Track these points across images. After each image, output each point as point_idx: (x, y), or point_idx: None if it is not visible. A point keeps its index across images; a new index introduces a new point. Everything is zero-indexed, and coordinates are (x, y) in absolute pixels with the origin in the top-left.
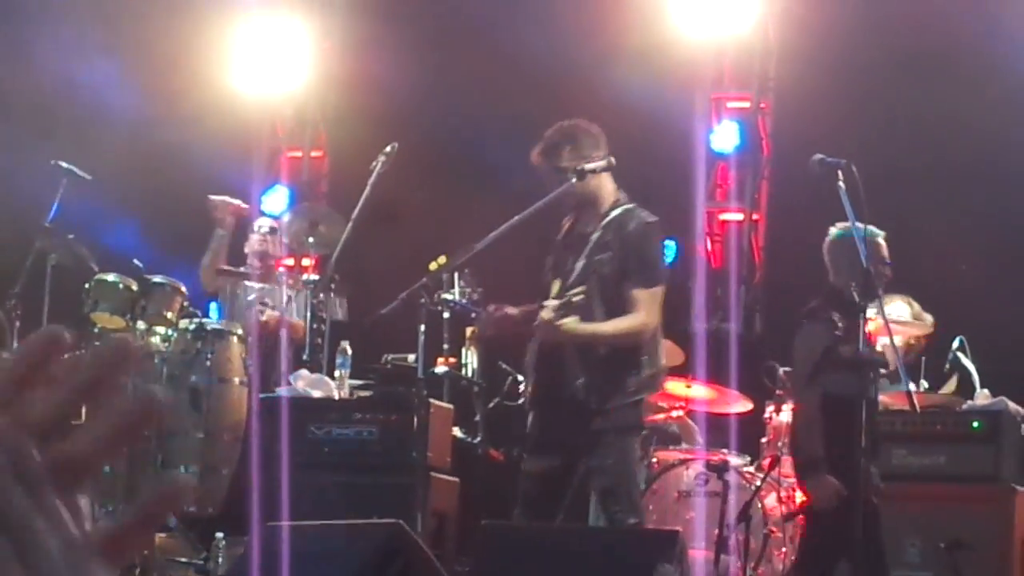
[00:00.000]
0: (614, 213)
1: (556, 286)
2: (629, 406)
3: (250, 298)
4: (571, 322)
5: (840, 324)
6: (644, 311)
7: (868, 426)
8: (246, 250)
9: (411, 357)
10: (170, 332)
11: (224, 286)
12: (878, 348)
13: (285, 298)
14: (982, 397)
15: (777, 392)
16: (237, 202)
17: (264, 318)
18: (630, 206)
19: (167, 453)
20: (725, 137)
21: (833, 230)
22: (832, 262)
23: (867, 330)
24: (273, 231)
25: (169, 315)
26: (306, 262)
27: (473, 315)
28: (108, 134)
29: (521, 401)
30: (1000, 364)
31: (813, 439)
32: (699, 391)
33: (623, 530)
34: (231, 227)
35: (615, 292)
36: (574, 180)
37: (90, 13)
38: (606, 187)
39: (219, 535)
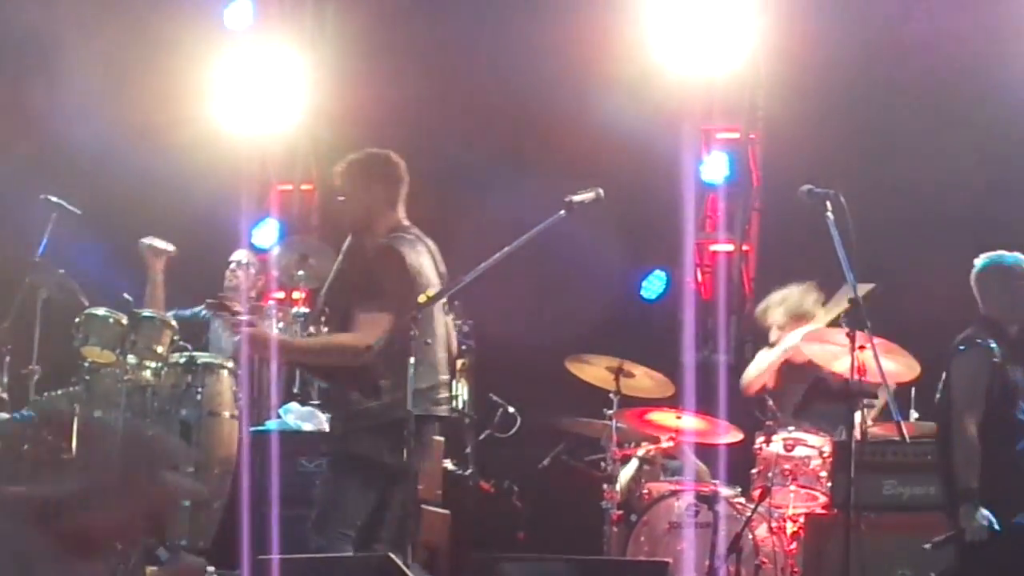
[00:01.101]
0: (381, 242)
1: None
2: (364, 431)
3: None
4: (285, 337)
5: (998, 352)
6: (362, 332)
7: None
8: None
9: None
10: (160, 366)
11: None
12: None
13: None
14: None
15: (767, 423)
16: (161, 245)
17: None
18: (397, 236)
19: None
20: (715, 168)
21: (979, 261)
22: (981, 292)
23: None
24: (240, 264)
25: (159, 349)
26: (296, 295)
27: (463, 347)
28: (99, 169)
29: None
30: None
31: (970, 470)
32: (689, 422)
33: (615, 561)
34: (156, 269)
35: (347, 314)
36: (563, 213)
37: (82, 49)
38: (385, 218)
39: (210, 569)
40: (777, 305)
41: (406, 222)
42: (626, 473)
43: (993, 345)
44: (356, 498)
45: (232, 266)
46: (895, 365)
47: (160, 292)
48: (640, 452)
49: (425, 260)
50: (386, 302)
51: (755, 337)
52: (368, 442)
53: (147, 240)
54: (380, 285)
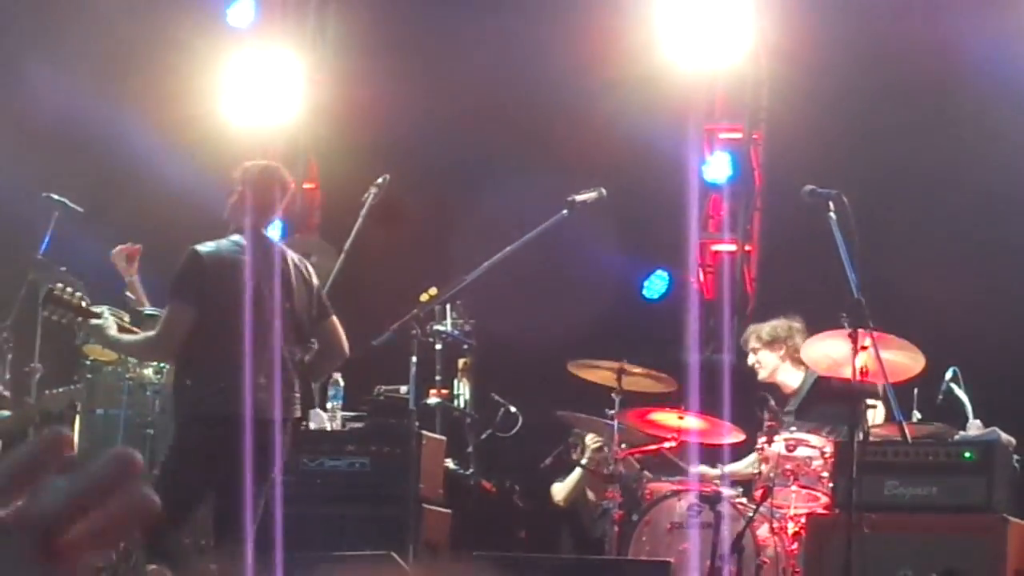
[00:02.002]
0: None
1: None
2: (180, 426)
3: None
4: (107, 328)
5: None
6: (158, 327)
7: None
8: None
9: (403, 388)
10: (162, 364)
11: None
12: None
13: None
14: (974, 427)
15: (768, 423)
16: (126, 246)
17: None
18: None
19: None
20: (717, 168)
21: None
22: None
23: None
24: None
25: None
26: None
27: (465, 346)
28: (100, 167)
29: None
30: (992, 394)
31: None
32: (692, 422)
33: (616, 561)
34: (130, 272)
35: None
36: (565, 212)
37: (83, 47)
38: (236, 225)
39: (212, 566)
40: (751, 332)
41: (266, 230)
42: (569, 481)
43: None
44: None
45: None
46: (900, 357)
47: (138, 291)
48: (584, 460)
49: (247, 267)
50: (176, 298)
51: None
52: (180, 434)
53: (114, 251)
54: (173, 282)
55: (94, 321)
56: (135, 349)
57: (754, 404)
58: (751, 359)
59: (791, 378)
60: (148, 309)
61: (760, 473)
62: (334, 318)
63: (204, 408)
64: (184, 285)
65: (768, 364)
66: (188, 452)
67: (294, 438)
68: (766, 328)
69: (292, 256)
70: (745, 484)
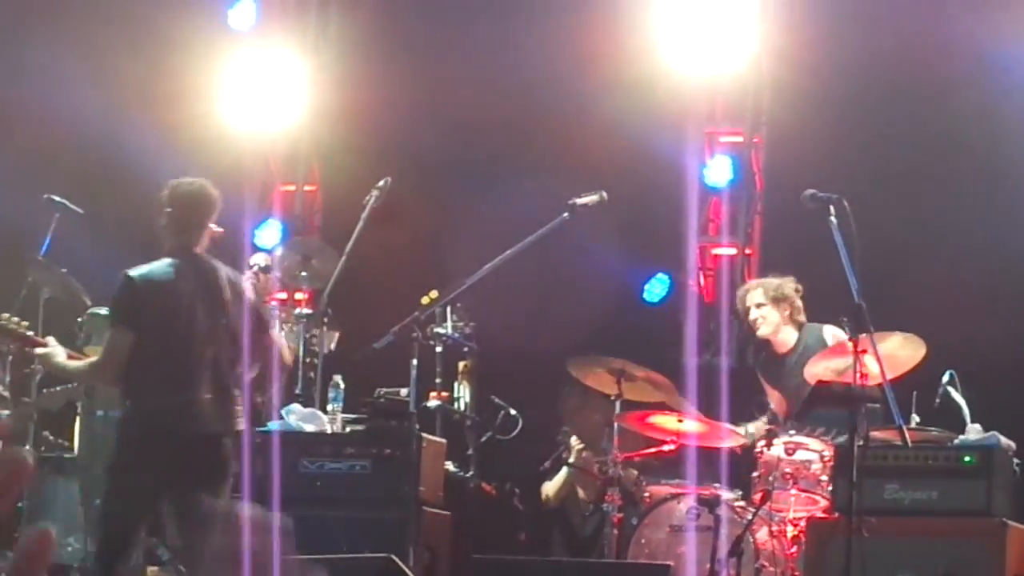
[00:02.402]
0: None
1: None
2: (125, 446)
3: None
4: (54, 356)
5: None
6: (101, 353)
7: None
8: None
9: (404, 391)
10: None
11: None
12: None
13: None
14: (973, 432)
15: (768, 427)
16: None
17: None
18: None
19: None
20: (718, 171)
21: None
22: None
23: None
24: (265, 269)
25: None
26: (299, 296)
27: (465, 349)
28: (101, 169)
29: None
30: (991, 398)
31: None
32: (690, 425)
33: (615, 564)
34: None
35: None
36: (566, 215)
37: (85, 48)
38: (168, 243)
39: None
40: (756, 287)
41: (197, 248)
42: (557, 479)
43: None
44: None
45: (255, 269)
46: (900, 349)
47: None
48: (571, 458)
49: (182, 284)
50: (115, 324)
51: (756, 341)
52: (125, 456)
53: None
54: (111, 309)
55: (40, 350)
56: (82, 375)
57: (753, 407)
58: (753, 314)
59: (789, 337)
60: None
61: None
62: (274, 331)
63: (149, 427)
64: (121, 310)
65: (772, 321)
66: (136, 470)
67: (237, 450)
68: (774, 284)
69: (226, 272)
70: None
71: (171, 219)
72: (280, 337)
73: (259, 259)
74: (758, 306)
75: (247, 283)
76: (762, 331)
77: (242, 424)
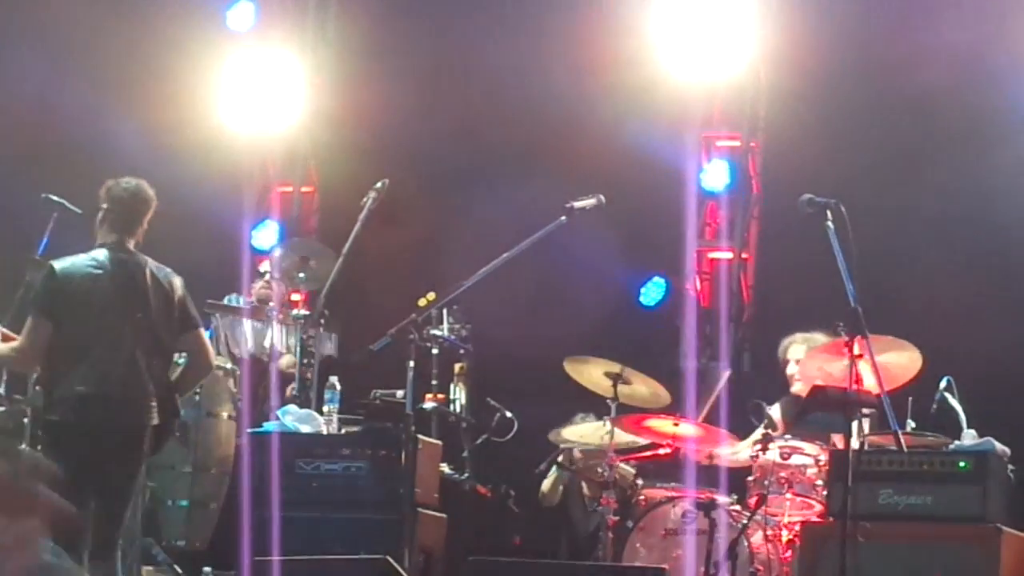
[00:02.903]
0: None
1: None
2: (44, 434)
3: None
4: None
5: None
6: (20, 339)
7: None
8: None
9: (400, 393)
10: None
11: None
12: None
13: (278, 334)
14: (968, 437)
15: (764, 431)
16: None
17: (284, 366)
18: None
19: (156, 487)
20: (715, 176)
21: None
22: None
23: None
24: (275, 278)
25: None
26: (295, 297)
27: (461, 351)
28: (99, 168)
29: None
30: (987, 404)
31: None
32: (687, 429)
33: (610, 567)
34: None
35: None
36: (563, 218)
37: (82, 49)
38: (99, 238)
39: (207, 569)
40: (801, 342)
41: (130, 245)
42: (551, 476)
43: None
44: None
45: (267, 277)
46: (897, 359)
47: None
48: (560, 458)
49: (103, 278)
50: (33, 312)
51: (753, 345)
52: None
53: None
54: (32, 297)
55: None
56: (3, 358)
57: (749, 412)
58: (791, 369)
59: None
60: None
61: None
62: (200, 330)
63: (63, 416)
64: (40, 300)
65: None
66: (54, 458)
67: (152, 444)
68: (819, 341)
69: (152, 269)
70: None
71: (105, 215)
72: (205, 338)
73: (268, 267)
74: (797, 362)
75: (177, 280)
76: (795, 388)
77: (155, 418)
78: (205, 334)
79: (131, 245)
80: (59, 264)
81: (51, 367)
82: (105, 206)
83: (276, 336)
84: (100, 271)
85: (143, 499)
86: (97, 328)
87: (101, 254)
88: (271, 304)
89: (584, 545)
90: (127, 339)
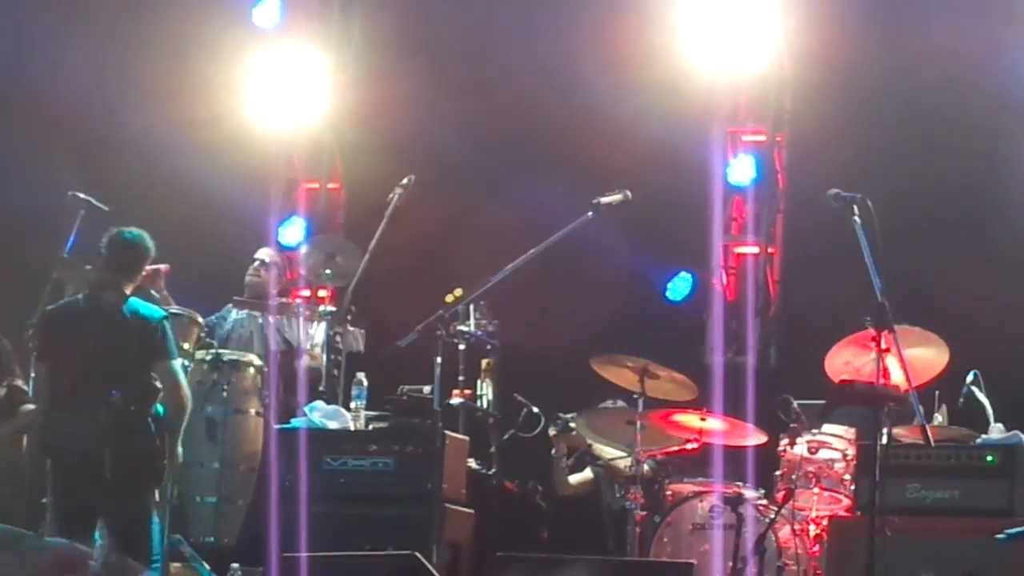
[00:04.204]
0: None
1: None
2: None
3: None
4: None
5: None
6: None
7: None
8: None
9: (427, 388)
10: (186, 363)
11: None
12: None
13: (303, 329)
14: (996, 431)
15: (791, 425)
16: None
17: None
18: None
19: (184, 483)
20: (741, 170)
21: None
22: None
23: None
24: (264, 264)
25: (186, 346)
26: (322, 293)
27: (488, 346)
28: (126, 166)
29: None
30: (1014, 398)
31: None
32: (714, 424)
33: (638, 562)
34: (160, 287)
35: None
36: (590, 214)
37: (108, 46)
38: None
39: (235, 565)
40: None
41: (126, 288)
42: (576, 477)
43: None
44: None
45: (256, 264)
46: (924, 353)
47: (167, 299)
48: (600, 462)
49: (83, 316)
50: (35, 355)
51: (779, 340)
52: None
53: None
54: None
55: None
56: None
57: (776, 406)
58: None
59: None
60: (173, 308)
61: None
62: (171, 362)
63: (39, 443)
64: (36, 343)
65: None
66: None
67: (119, 472)
68: None
69: (130, 306)
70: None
71: (103, 259)
72: (174, 371)
73: (263, 254)
74: None
75: (157, 314)
76: None
77: (129, 444)
78: (176, 366)
79: (126, 288)
80: (52, 307)
81: (40, 399)
82: (103, 251)
83: (301, 331)
84: (82, 310)
85: (171, 496)
86: (69, 361)
87: (87, 294)
88: (273, 292)
89: (612, 540)
90: (95, 371)
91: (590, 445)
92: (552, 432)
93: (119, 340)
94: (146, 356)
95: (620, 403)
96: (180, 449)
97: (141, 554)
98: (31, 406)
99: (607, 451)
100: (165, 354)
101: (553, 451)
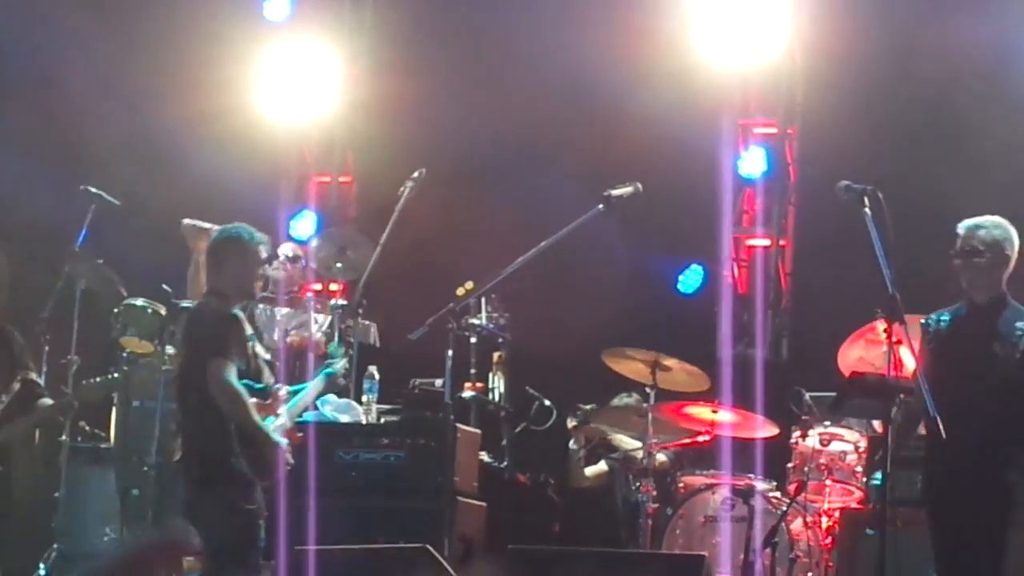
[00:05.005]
0: None
1: None
2: None
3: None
4: None
5: None
6: None
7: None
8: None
9: (438, 382)
10: None
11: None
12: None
13: (314, 323)
14: None
15: (803, 417)
16: (203, 225)
17: (290, 339)
18: None
19: None
20: (752, 163)
21: None
22: None
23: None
24: (295, 259)
25: None
26: (334, 287)
27: (500, 339)
28: (137, 160)
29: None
30: None
31: None
32: (725, 416)
33: (650, 555)
34: (201, 249)
35: None
36: (601, 207)
37: (120, 40)
38: None
39: None
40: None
41: None
42: (591, 470)
43: None
44: None
45: (281, 259)
46: None
47: (203, 273)
48: (615, 455)
49: None
50: None
51: (790, 332)
52: None
53: (188, 221)
54: None
55: None
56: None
57: (788, 398)
58: None
59: None
60: (184, 303)
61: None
62: (28, 375)
63: None
64: None
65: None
66: None
67: None
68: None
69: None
70: None
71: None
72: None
73: (287, 249)
74: None
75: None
76: None
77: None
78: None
79: None
80: None
81: None
82: None
83: (312, 324)
84: None
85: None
86: None
87: None
88: (294, 288)
89: (625, 533)
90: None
91: (606, 437)
92: (572, 424)
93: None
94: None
95: (634, 395)
96: None
97: None
98: (48, 400)
99: (628, 442)
100: (24, 367)
101: (571, 442)
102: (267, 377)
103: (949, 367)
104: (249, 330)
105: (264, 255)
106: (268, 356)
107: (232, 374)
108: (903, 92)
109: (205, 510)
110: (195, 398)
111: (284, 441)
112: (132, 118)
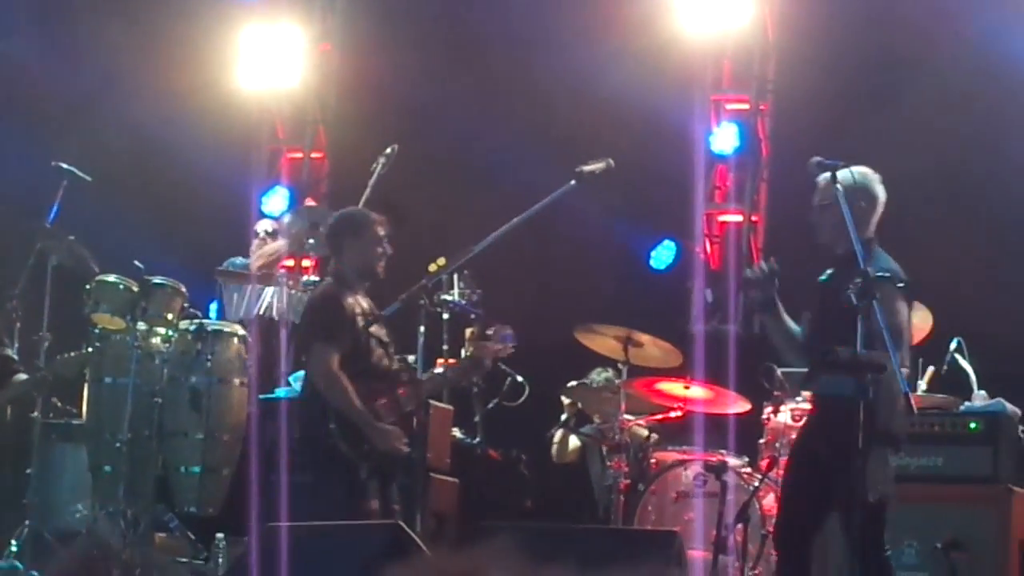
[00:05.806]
0: None
1: None
2: None
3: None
4: None
5: None
6: None
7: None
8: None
9: (411, 358)
10: (170, 333)
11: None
12: None
13: (286, 299)
14: (979, 398)
15: (775, 393)
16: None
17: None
18: None
19: (168, 453)
20: (724, 139)
21: None
22: None
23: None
24: (274, 234)
25: (169, 316)
26: (306, 263)
27: (472, 316)
28: (108, 135)
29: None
30: (997, 365)
31: None
32: (697, 392)
33: (622, 531)
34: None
35: None
36: (572, 182)
37: (91, 15)
38: None
39: (219, 535)
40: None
41: None
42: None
43: None
44: None
45: (261, 236)
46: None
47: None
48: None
49: None
50: None
51: None
52: None
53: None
54: None
55: None
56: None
57: (760, 374)
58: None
59: None
60: (156, 279)
61: None
62: (2, 351)
63: None
64: None
65: None
66: None
67: None
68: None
69: None
70: None
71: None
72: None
73: (265, 225)
74: None
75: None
76: None
77: None
78: None
79: None
80: None
81: None
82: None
83: (284, 300)
84: None
85: (156, 466)
86: None
87: None
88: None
89: (596, 508)
90: None
91: (582, 411)
92: (566, 401)
93: None
94: None
95: (610, 371)
96: None
97: None
98: (23, 375)
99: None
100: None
101: (564, 416)
102: (381, 357)
103: None
104: (360, 309)
105: (382, 233)
106: (387, 338)
107: (333, 360)
108: (876, 67)
109: (320, 492)
110: (306, 380)
111: (387, 427)
112: (104, 94)
